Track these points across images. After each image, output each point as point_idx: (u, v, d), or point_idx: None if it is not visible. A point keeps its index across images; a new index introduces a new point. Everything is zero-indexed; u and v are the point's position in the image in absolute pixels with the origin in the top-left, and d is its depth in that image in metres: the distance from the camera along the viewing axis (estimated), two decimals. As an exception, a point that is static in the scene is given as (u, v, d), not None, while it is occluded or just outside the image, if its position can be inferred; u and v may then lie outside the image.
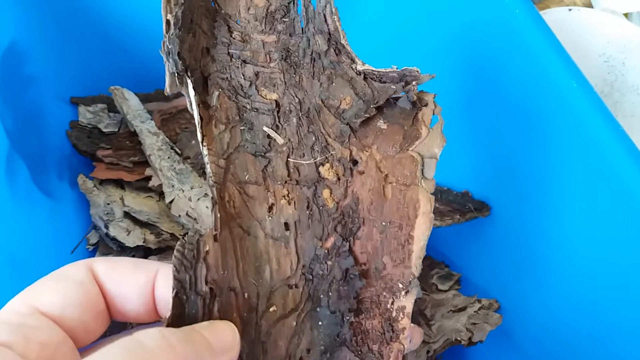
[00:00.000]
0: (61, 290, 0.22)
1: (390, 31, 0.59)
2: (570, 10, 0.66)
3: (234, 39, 0.28)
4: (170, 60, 0.25)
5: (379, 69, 0.26)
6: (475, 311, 0.46)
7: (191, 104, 0.26)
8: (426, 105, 0.26)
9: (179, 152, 0.52)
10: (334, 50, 0.27)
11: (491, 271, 0.50)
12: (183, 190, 0.49)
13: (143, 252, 0.48)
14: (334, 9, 0.27)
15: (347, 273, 0.26)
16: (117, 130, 0.54)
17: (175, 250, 0.23)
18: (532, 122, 0.44)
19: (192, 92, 0.25)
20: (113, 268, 0.23)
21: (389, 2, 0.57)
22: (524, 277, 0.47)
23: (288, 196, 0.27)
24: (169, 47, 0.25)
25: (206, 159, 0.26)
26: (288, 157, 0.27)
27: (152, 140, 0.51)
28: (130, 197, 0.50)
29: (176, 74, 0.25)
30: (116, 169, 0.51)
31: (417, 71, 0.26)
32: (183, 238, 0.24)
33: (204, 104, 0.26)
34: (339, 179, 0.27)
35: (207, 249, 0.24)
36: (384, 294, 0.26)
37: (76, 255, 0.48)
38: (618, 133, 0.38)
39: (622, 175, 0.38)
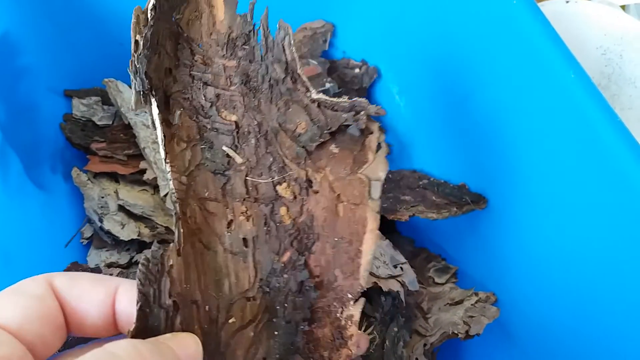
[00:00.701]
0: (20, 304, 0.22)
1: (387, 24, 0.59)
2: (567, 2, 0.66)
3: (196, 61, 0.30)
4: (138, 79, 0.26)
5: (332, 99, 0.28)
6: (472, 304, 0.45)
7: (154, 122, 0.27)
8: (372, 133, 0.27)
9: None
10: (291, 79, 0.29)
11: (488, 264, 0.50)
12: (178, 184, 0.48)
13: (137, 245, 0.48)
14: (292, 41, 0.28)
15: (302, 285, 0.28)
16: (111, 123, 0.54)
17: (140, 265, 0.24)
18: (529, 114, 0.44)
19: (155, 110, 0.26)
20: (73, 283, 0.24)
21: (394, 5, 0.57)
22: (520, 270, 0.47)
23: (246, 213, 0.28)
24: (137, 66, 0.26)
25: (169, 176, 0.27)
26: (246, 175, 0.29)
27: (147, 133, 0.51)
28: (124, 191, 0.49)
29: (141, 92, 0.26)
30: (110, 162, 0.51)
31: (366, 102, 0.27)
32: (147, 253, 0.24)
33: (166, 122, 0.28)
34: (295, 197, 0.29)
35: (171, 263, 0.25)
36: (335, 304, 0.27)
37: (70, 249, 0.48)
38: (616, 125, 0.38)
39: (621, 168, 0.38)
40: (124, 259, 0.47)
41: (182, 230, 0.26)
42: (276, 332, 0.27)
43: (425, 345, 0.43)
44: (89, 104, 0.54)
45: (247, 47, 0.30)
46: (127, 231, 0.46)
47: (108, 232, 0.47)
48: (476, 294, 0.47)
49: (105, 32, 0.56)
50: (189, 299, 0.25)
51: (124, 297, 0.24)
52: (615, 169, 0.38)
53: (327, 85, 0.60)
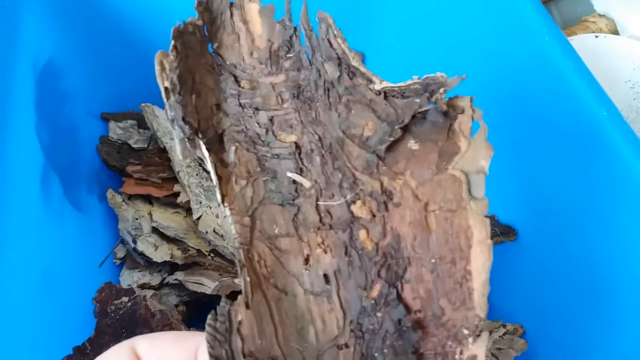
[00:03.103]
0: None
1: (420, 55, 0.60)
2: (597, 37, 0.66)
3: (242, 88, 0.27)
4: (177, 127, 0.23)
5: (399, 84, 0.24)
6: (500, 336, 0.45)
7: (207, 165, 0.24)
8: (462, 112, 0.23)
9: (208, 169, 0.53)
10: (347, 75, 0.25)
11: (516, 296, 0.50)
12: (210, 207, 0.49)
13: (169, 267, 0.49)
14: (336, 32, 0.25)
15: (399, 324, 0.23)
16: (146, 146, 0.55)
17: (206, 325, 0.21)
18: (560, 147, 0.44)
19: (206, 154, 0.24)
20: (154, 345, 0.23)
21: (418, 25, 0.57)
22: (549, 303, 0.47)
23: (323, 244, 0.24)
24: (172, 114, 0.23)
25: (229, 220, 0.24)
26: (317, 200, 0.25)
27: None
28: (158, 213, 0.50)
29: (186, 140, 0.24)
30: (145, 185, 0.52)
31: (443, 76, 0.23)
32: (214, 311, 0.22)
33: (221, 162, 0.25)
34: (374, 216, 0.24)
35: (240, 318, 0.22)
36: (449, 343, 0.23)
37: (104, 269, 0.49)
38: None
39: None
40: (155, 280, 0.48)
41: (248, 279, 0.23)
42: None
43: (453, 376, 0.43)
44: (125, 127, 0.55)
45: (291, 55, 0.27)
46: (160, 253, 0.47)
47: (141, 254, 0.48)
48: (504, 326, 0.47)
49: (143, 56, 0.58)
50: (266, 356, 0.22)
51: (204, 357, 0.22)
52: (648, 205, 0.38)
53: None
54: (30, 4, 0.47)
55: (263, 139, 0.26)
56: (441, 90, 0.22)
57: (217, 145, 0.25)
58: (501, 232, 0.49)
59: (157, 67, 0.23)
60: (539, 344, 0.47)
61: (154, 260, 0.47)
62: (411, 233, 0.24)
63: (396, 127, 0.24)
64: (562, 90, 0.43)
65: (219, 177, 0.24)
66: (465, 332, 0.22)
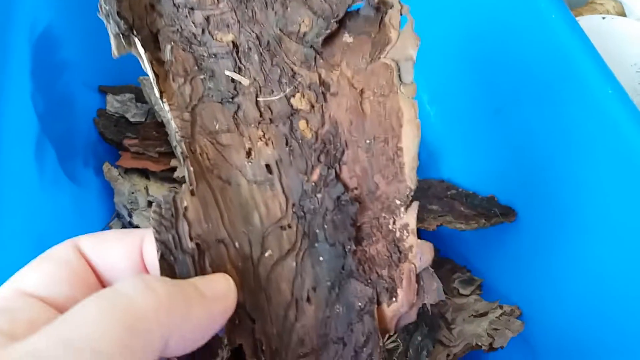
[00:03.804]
0: (46, 271, 0.22)
1: (419, 32, 0.59)
2: (603, 18, 0.65)
3: None
4: (112, 21, 0.23)
5: None
6: (496, 317, 0.45)
7: (143, 63, 0.25)
8: (392, 7, 0.24)
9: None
10: None
11: (514, 277, 0.49)
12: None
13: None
14: None
15: (338, 201, 0.25)
16: (144, 120, 0.55)
17: (151, 212, 0.22)
18: (562, 127, 0.44)
19: (142, 51, 0.24)
20: (99, 242, 0.23)
21: (429, 12, 0.57)
22: (546, 285, 0.47)
23: (264, 137, 0.26)
24: (107, 8, 0.23)
25: (169, 115, 0.25)
26: (257, 97, 0.26)
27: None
28: (154, 187, 0.50)
29: (121, 35, 0.24)
30: (142, 159, 0.52)
31: None
32: (159, 199, 0.23)
33: (157, 61, 0.25)
34: (312, 106, 0.26)
35: (185, 204, 0.23)
36: (383, 215, 0.25)
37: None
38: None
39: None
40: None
41: (192, 169, 0.24)
42: (321, 258, 0.25)
43: (448, 355, 0.42)
44: (122, 100, 0.55)
45: None
46: (156, 227, 0.47)
47: (137, 227, 0.47)
48: (501, 307, 0.46)
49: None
50: (213, 238, 0.23)
51: (150, 247, 0.23)
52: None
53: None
54: (27, -29, 0.47)
55: (199, 39, 0.26)
56: None
57: (152, 45, 0.25)
58: (501, 213, 0.48)
59: None
60: (535, 326, 0.46)
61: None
62: (348, 119, 0.25)
63: (332, 21, 0.25)
64: (569, 69, 0.42)
65: (156, 75, 0.24)
66: (398, 202, 0.24)
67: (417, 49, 0.23)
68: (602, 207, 0.42)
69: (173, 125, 0.24)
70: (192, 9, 0.26)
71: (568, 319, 0.45)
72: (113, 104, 0.55)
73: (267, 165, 0.25)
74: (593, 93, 0.40)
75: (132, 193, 0.50)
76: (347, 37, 0.25)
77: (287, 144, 0.26)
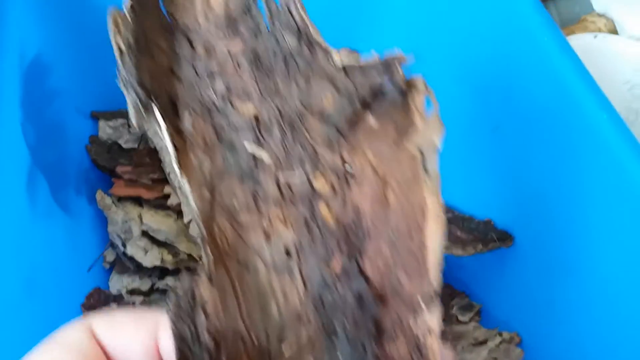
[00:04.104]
0: (57, 358, 0.21)
1: (414, 52, 0.59)
2: (595, 37, 0.66)
3: (197, 52, 0.26)
4: (131, 91, 0.23)
5: (359, 59, 0.25)
6: (496, 345, 0.45)
7: (162, 134, 0.23)
8: (417, 91, 0.24)
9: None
10: (306, 46, 0.25)
11: (512, 303, 0.49)
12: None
13: (159, 272, 0.48)
14: (297, 2, 0.25)
15: (360, 296, 0.24)
16: (137, 146, 0.54)
17: (168, 301, 0.21)
18: (558, 150, 0.44)
19: (161, 121, 0.23)
20: (114, 325, 0.22)
21: (415, 22, 0.56)
22: (546, 311, 0.47)
23: (284, 218, 0.24)
24: (126, 76, 0.23)
25: (188, 194, 0.23)
26: (277, 174, 0.25)
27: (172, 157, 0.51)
28: (148, 215, 0.49)
29: (140, 104, 0.23)
30: (135, 186, 0.51)
31: (400, 52, 0.24)
32: (175, 288, 0.22)
33: (176, 131, 0.24)
34: (334, 190, 0.25)
35: (203, 294, 0.22)
36: (406, 314, 0.23)
37: (92, 273, 0.48)
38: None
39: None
40: (145, 285, 0.47)
41: (211, 256, 0.22)
42: (340, 356, 0.23)
43: (448, 386, 0.42)
44: (115, 126, 0.54)
45: (249, 20, 0.26)
46: (150, 257, 0.46)
47: (131, 258, 0.47)
48: (500, 334, 0.46)
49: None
50: (231, 332, 0.22)
51: (166, 335, 0.22)
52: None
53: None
54: (17, -1, 0.46)
55: (220, 108, 0.25)
56: (400, 67, 0.23)
57: (171, 113, 0.24)
58: (498, 238, 0.48)
59: (111, 26, 0.23)
60: (535, 353, 0.46)
61: (144, 265, 0.46)
62: (371, 208, 0.24)
63: (356, 103, 0.24)
64: (561, 91, 0.42)
65: (176, 148, 0.23)
66: (421, 303, 0.23)
67: (441, 136, 0.22)
68: (599, 231, 0.42)
69: (192, 206, 0.23)
70: (213, 75, 0.25)
71: (568, 346, 0.45)
72: (105, 130, 0.54)
73: (286, 250, 0.24)
74: (587, 116, 0.40)
75: (126, 222, 0.49)
76: (371, 120, 0.24)
77: (307, 228, 0.24)
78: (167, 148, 0.23)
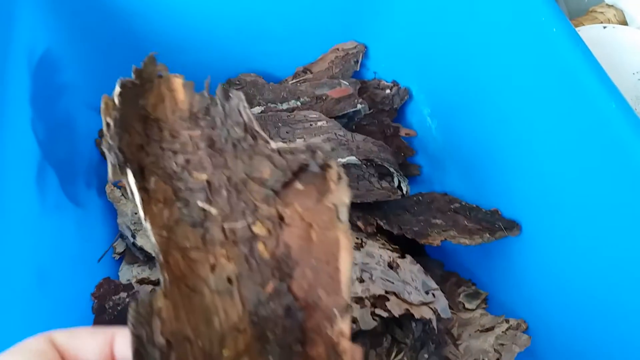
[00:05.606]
0: None
1: (419, 46, 0.59)
2: (604, 27, 0.65)
3: (164, 136, 0.32)
4: (112, 153, 0.28)
5: (289, 145, 0.31)
6: (503, 331, 0.45)
7: (131, 189, 0.29)
8: (331, 167, 0.30)
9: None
10: (251, 136, 0.31)
11: (519, 291, 0.49)
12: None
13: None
14: (245, 105, 0.32)
15: (289, 309, 0.29)
16: (145, 139, 0.54)
17: (129, 309, 0.25)
18: (566, 140, 0.44)
19: (132, 180, 0.29)
20: (72, 337, 0.26)
21: (422, 16, 0.57)
22: (552, 298, 0.46)
23: (227, 255, 0.30)
24: (110, 143, 0.29)
25: (149, 232, 0.29)
26: (223, 223, 0.31)
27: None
28: (157, 207, 0.50)
29: (117, 165, 0.29)
30: (144, 179, 0.51)
31: (320, 143, 0.30)
32: (137, 299, 0.26)
33: (143, 189, 0.30)
34: (270, 233, 0.31)
35: (159, 305, 0.26)
36: (324, 322, 0.29)
37: (102, 263, 0.49)
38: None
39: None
40: (155, 274, 0.48)
41: (166, 277, 0.28)
42: (271, 358, 0.29)
43: (455, 372, 0.42)
44: (124, 120, 0.55)
45: (208, 117, 0.33)
46: (159, 248, 0.47)
47: (140, 248, 0.47)
48: (507, 321, 0.46)
49: (141, 50, 0.57)
50: (181, 336, 0.27)
51: (121, 343, 0.26)
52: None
53: (358, 106, 0.60)
54: (26, -5, 0.47)
55: (179, 175, 0.31)
56: (318, 152, 0.29)
57: (139, 175, 0.30)
58: (505, 227, 0.48)
59: (102, 106, 0.29)
60: (542, 340, 0.46)
61: (153, 255, 0.46)
62: (298, 244, 0.30)
63: (288, 173, 0.30)
64: (570, 82, 0.42)
65: (142, 200, 0.29)
66: (336, 312, 0.28)
67: (349, 198, 0.29)
68: (605, 219, 0.42)
69: (152, 240, 0.28)
70: (175, 152, 0.32)
71: (575, 332, 0.45)
72: (115, 124, 0.55)
73: (229, 278, 0.30)
74: (596, 106, 0.40)
75: (135, 213, 0.50)
76: (299, 185, 0.31)
77: (246, 262, 0.30)
78: (134, 199, 0.29)
